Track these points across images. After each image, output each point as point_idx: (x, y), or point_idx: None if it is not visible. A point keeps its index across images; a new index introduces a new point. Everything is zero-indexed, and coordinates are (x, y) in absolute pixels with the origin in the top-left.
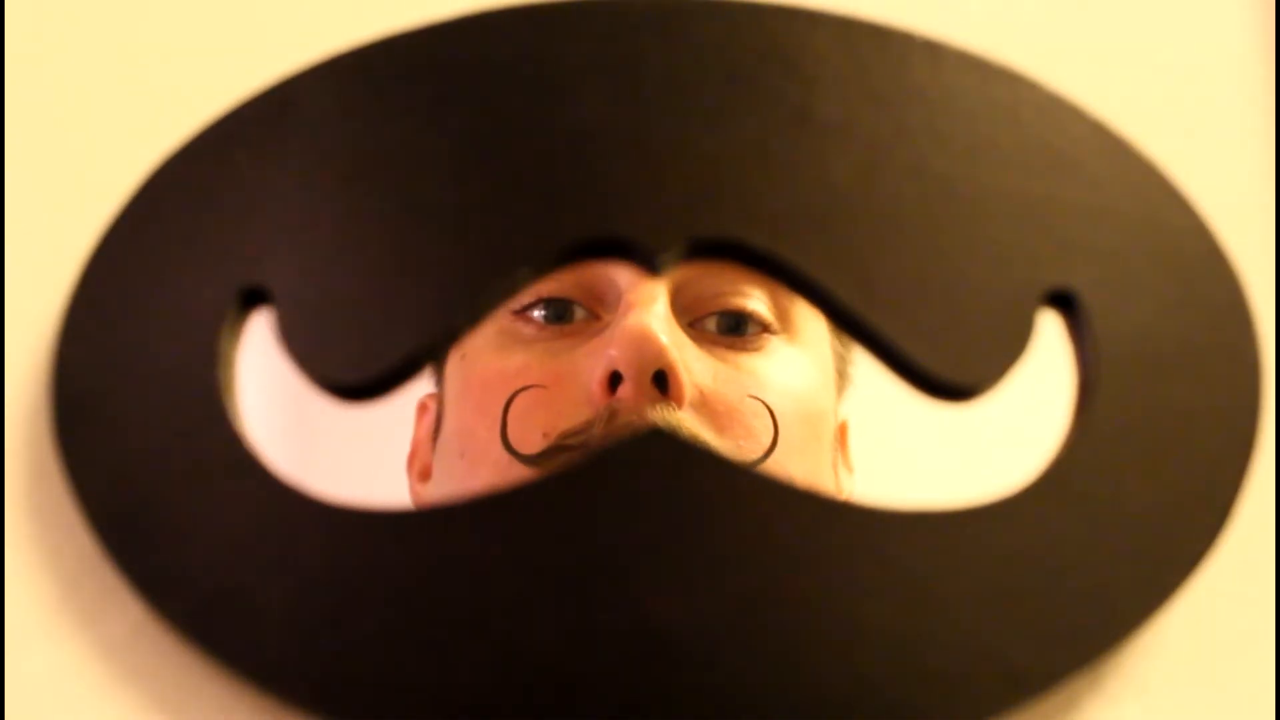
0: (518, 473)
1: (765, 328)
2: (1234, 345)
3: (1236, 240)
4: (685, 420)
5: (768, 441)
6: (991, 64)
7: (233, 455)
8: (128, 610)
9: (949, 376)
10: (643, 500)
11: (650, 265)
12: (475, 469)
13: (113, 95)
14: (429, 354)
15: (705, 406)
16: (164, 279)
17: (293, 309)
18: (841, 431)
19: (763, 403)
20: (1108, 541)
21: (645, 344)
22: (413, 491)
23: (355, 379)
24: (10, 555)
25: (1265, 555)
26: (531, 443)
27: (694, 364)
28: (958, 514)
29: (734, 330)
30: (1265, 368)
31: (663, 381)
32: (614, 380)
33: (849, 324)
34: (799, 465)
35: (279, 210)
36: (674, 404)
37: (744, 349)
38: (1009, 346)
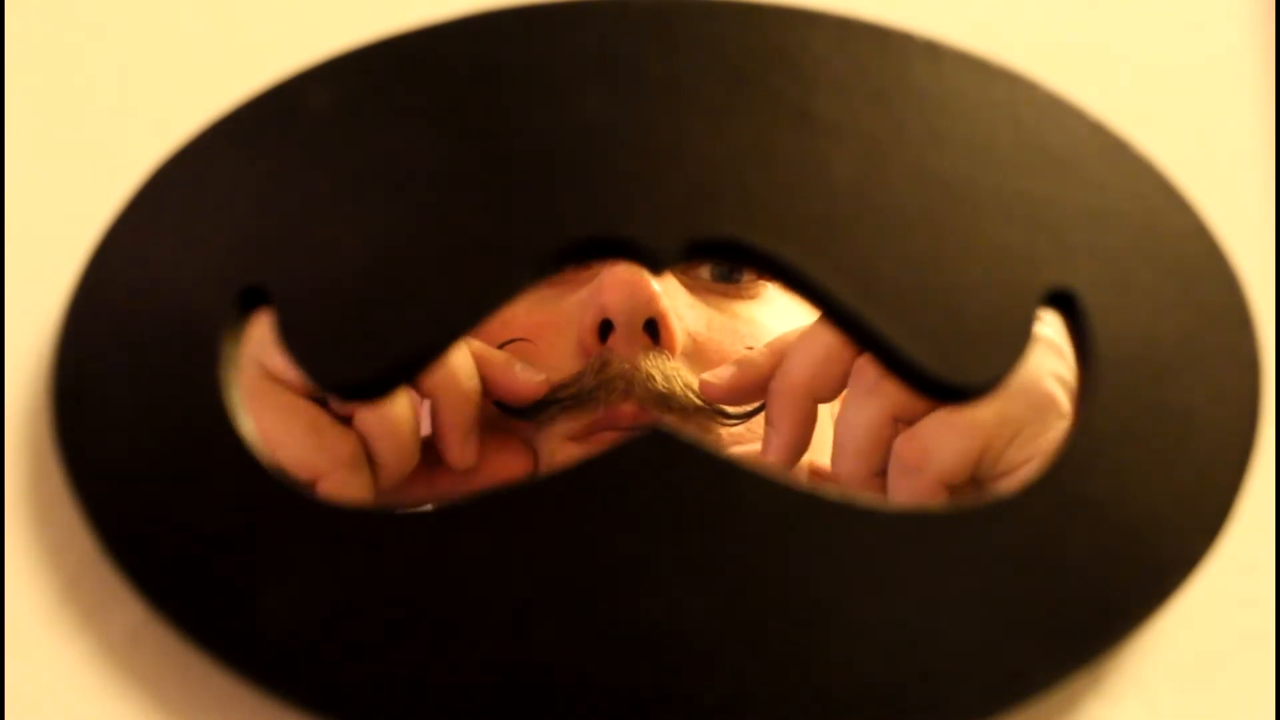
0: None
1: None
2: (1234, 345)
3: (1236, 240)
4: (679, 369)
5: None
6: (991, 64)
7: (233, 455)
8: (128, 610)
9: (948, 377)
10: (642, 500)
11: (651, 265)
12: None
13: (113, 95)
14: (429, 354)
15: (699, 355)
16: (164, 279)
17: (293, 309)
18: None
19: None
20: (1108, 541)
21: (636, 290)
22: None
23: (355, 379)
24: (10, 555)
25: (1265, 555)
26: None
27: (686, 311)
28: (958, 514)
29: (728, 277)
30: (1265, 368)
31: (654, 329)
32: (605, 328)
33: (849, 324)
34: None
35: (279, 210)
36: (666, 352)
37: (739, 296)
38: (1009, 347)
